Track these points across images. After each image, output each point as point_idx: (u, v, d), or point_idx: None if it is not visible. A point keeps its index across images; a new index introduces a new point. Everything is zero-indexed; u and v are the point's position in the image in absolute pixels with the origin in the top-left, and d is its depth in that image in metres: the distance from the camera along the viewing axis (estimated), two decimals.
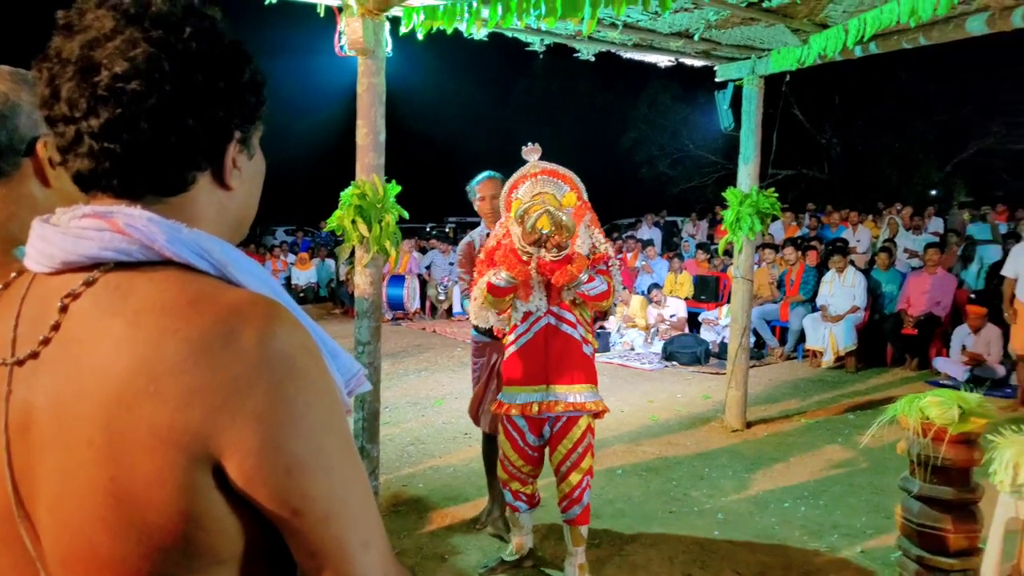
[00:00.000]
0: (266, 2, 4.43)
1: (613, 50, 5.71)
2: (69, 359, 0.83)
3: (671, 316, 10.27)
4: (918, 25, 4.64)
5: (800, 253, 10.16)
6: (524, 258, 3.40)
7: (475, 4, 4.10)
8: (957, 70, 20.25)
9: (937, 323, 8.78)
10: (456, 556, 4.06)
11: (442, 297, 13.20)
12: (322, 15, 4.50)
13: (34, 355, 0.85)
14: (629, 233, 14.78)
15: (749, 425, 6.48)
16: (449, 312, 13.12)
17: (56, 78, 0.85)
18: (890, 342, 9.17)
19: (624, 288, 3.73)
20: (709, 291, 10.88)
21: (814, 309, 9.48)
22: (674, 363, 9.26)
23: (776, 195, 6.14)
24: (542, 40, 5.31)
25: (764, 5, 4.72)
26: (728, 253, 7.58)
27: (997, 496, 3.25)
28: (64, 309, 0.85)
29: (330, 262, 15.49)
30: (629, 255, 12.97)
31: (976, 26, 4.60)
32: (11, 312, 0.89)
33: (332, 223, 4.53)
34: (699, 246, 12.62)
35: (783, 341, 9.90)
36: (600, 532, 4.31)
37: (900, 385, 8.04)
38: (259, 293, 0.87)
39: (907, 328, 8.85)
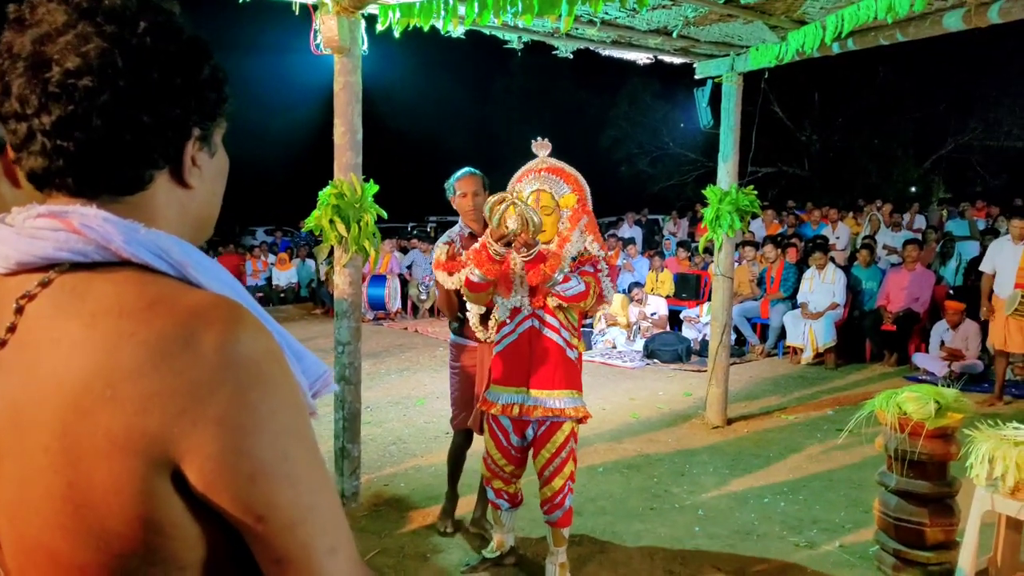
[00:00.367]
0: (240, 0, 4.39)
1: (591, 47, 5.71)
2: (25, 363, 0.81)
3: (652, 314, 10.30)
4: (895, 21, 4.67)
5: (780, 251, 10.21)
6: (495, 256, 3.34)
7: (452, 1, 4.07)
8: (935, 67, 20.41)
9: (916, 319, 8.86)
10: (438, 555, 4.05)
11: (423, 297, 13.16)
12: (297, 13, 4.46)
13: None
14: (611, 232, 14.80)
15: (730, 422, 6.50)
16: (431, 312, 13.08)
17: (7, 74, 0.83)
18: (869, 338, 9.25)
19: (611, 291, 3.64)
20: (690, 289, 10.92)
21: (794, 306, 9.54)
22: (655, 361, 9.29)
23: (756, 193, 6.16)
24: (520, 37, 5.30)
25: (742, 2, 4.73)
26: (708, 251, 7.60)
27: (974, 490, 3.26)
28: (20, 311, 0.83)
29: (311, 262, 15.41)
30: (610, 253, 12.98)
31: (953, 22, 4.64)
32: None
33: (310, 223, 4.51)
34: (680, 244, 12.66)
35: (764, 338, 9.94)
36: (581, 529, 4.31)
37: (879, 381, 8.10)
38: (221, 295, 0.85)
39: (886, 324, 8.93)
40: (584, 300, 3.38)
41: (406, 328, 12.11)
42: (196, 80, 0.90)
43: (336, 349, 4.69)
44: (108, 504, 0.78)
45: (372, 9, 4.52)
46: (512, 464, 3.64)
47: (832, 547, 4.15)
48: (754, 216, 7.07)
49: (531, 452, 3.62)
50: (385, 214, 4.62)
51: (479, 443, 4.25)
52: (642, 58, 6.06)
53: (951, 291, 9.52)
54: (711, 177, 6.43)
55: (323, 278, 13.26)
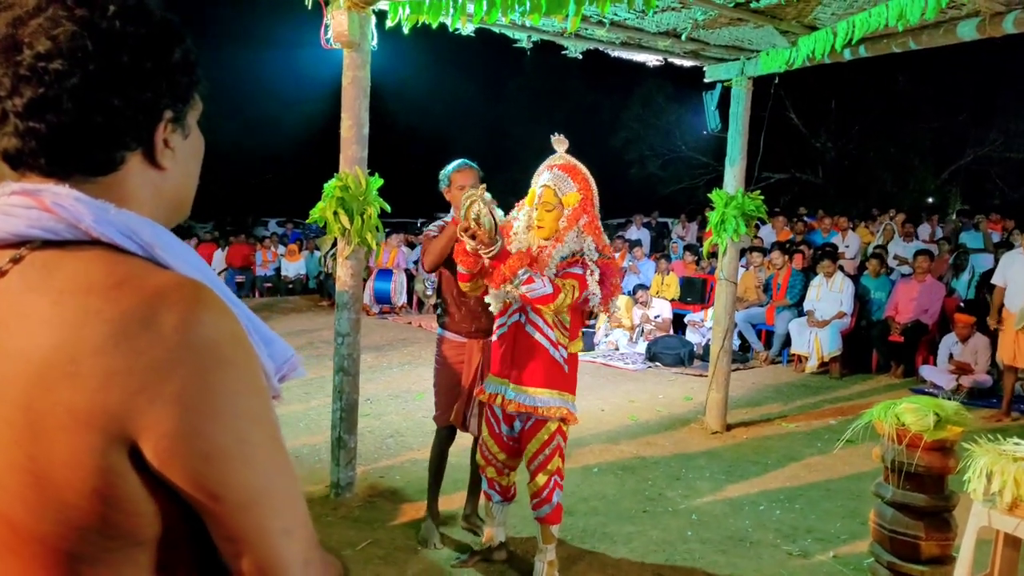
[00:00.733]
0: None
1: (600, 48, 5.69)
2: None
3: (656, 317, 10.27)
4: (908, 29, 4.62)
5: (787, 257, 10.16)
6: (468, 248, 3.33)
7: None
8: (955, 76, 20.24)
9: (924, 331, 8.79)
10: (429, 548, 4.04)
11: (429, 292, 13.16)
12: (310, 7, 4.47)
13: None
14: (618, 233, 14.77)
15: (729, 428, 6.48)
16: (435, 307, 13.08)
17: None
18: (876, 349, 9.17)
19: (600, 294, 3.59)
20: (695, 293, 10.87)
21: (800, 314, 9.48)
22: (657, 364, 9.25)
23: (762, 197, 6.13)
24: (529, 37, 5.29)
25: (752, 6, 4.70)
26: (713, 255, 7.57)
27: (971, 505, 3.23)
28: None
29: (319, 254, 15.46)
30: (616, 255, 12.98)
31: (967, 31, 4.58)
32: None
33: (315, 214, 4.54)
34: (687, 248, 12.61)
35: (769, 345, 9.89)
36: (573, 529, 4.31)
37: (884, 392, 8.03)
38: (187, 277, 0.87)
39: (894, 335, 8.86)
40: (551, 302, 3.28)
41: (410, 323, 12.13)
42: (167, 63, 0.91)
43: (336, 340, 4.71)
44: (67, 478, 0.80)
45: (382, 5, 4.54)
46: (504, 452, 3.66)
47: (826, 557, 4.13)
48: (762, 222, 7.05)
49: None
50: (388, 208, 4.64)
51: (460, 442, 4.25)
52: (652, 60, 6.03)
53: (962, 303, 9.43)
54: (722, 182, 6.40)
55: (330, 271, 13.29)
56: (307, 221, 4.64)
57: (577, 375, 3.63)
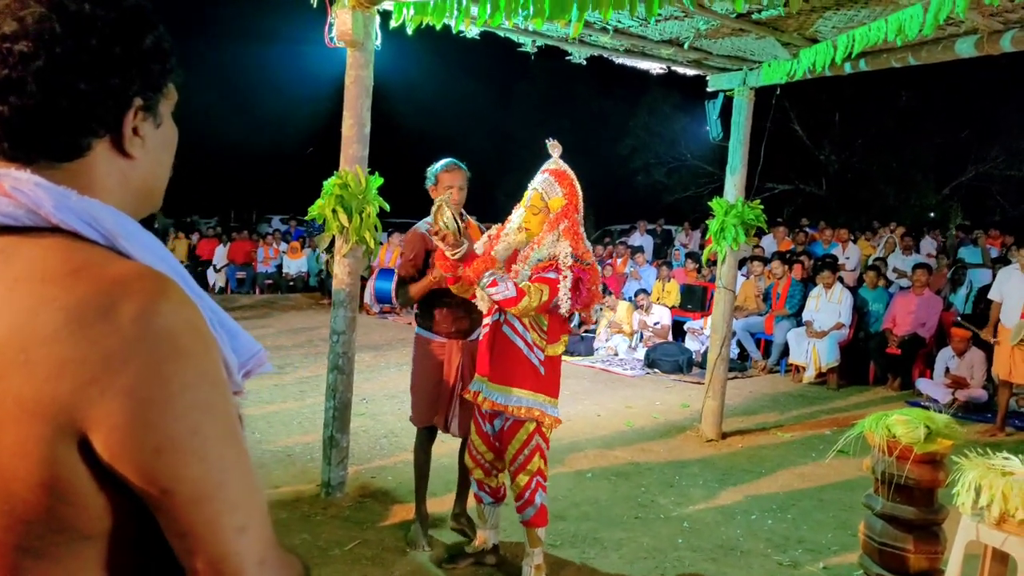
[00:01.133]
0: None
1: (604, 55, 5.71)
2: None
3: (655, 323, 10.27)
4: (907, 44, 4.65)
5: (787, 267, 10.17)
6: (438, 249, 3.47)
7: (464, 1, 4.08)
8: (958, 93, 20.26)
9: (921, 344, 8.80)
10: (417, 550, 4.05)
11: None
12: (314, 5, 4.49)
13: None
14: (621, 239, 14.79)
15: (725, 436, 6.48)
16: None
17: None
18: (873, 361, 9.18)
19: (569, 300, 3.59)
20: (696, 300, 10.88)
21: (799, 324, 9.49)
22: (656, 370, 9.26)
23: (762, 207, 6.15)
24: (534, 41, 5.31)
25: (754, 17, 4.72)
26: (713, 263, 7.58)
27: (960, 518, 3.24)
28: None
29: (319, 251, 15.50)
30: (619, 260, 13.04)
31: (965, 48, 4.61)
32: None
33: (314, 211, 4.55)
34: (689, 255, 12.63)
35: (767, 354, 9.90)
36: (563, 534, 4.31)
37: (880, 404, 8.02)
38: (147, 266, 0.85)
39: (891, 348, 8.86)
40: (514, 305, 3.32)
41: (410, 323, 12.09)
42: (138, 49, 0.90)
43: (331, 338, 4.72)
44: (14, 468, 0.78)
45: (387, 5, 4.55)
46: (492, 452, 3.68)
47: (816, 568, 4.13)
48: (763, 231, 7.06)
49: None
50: (388, 207, 4.65)
51: (451, 444, 4.25)
52: (656, 68, 6.06)
53: (959, 318, 9.44)
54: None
55: (326, 268, 13.31)
56: (306, 218, 4.65)
57: (559, 378, 3.65)
